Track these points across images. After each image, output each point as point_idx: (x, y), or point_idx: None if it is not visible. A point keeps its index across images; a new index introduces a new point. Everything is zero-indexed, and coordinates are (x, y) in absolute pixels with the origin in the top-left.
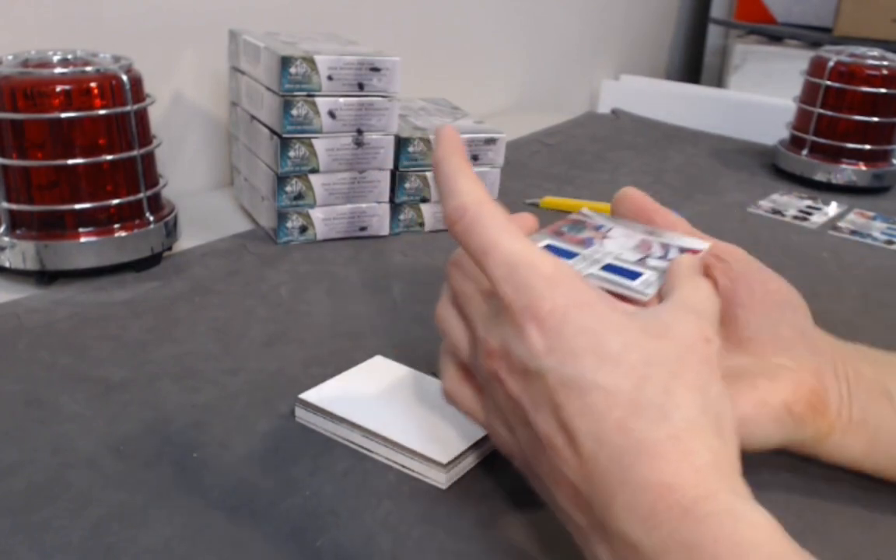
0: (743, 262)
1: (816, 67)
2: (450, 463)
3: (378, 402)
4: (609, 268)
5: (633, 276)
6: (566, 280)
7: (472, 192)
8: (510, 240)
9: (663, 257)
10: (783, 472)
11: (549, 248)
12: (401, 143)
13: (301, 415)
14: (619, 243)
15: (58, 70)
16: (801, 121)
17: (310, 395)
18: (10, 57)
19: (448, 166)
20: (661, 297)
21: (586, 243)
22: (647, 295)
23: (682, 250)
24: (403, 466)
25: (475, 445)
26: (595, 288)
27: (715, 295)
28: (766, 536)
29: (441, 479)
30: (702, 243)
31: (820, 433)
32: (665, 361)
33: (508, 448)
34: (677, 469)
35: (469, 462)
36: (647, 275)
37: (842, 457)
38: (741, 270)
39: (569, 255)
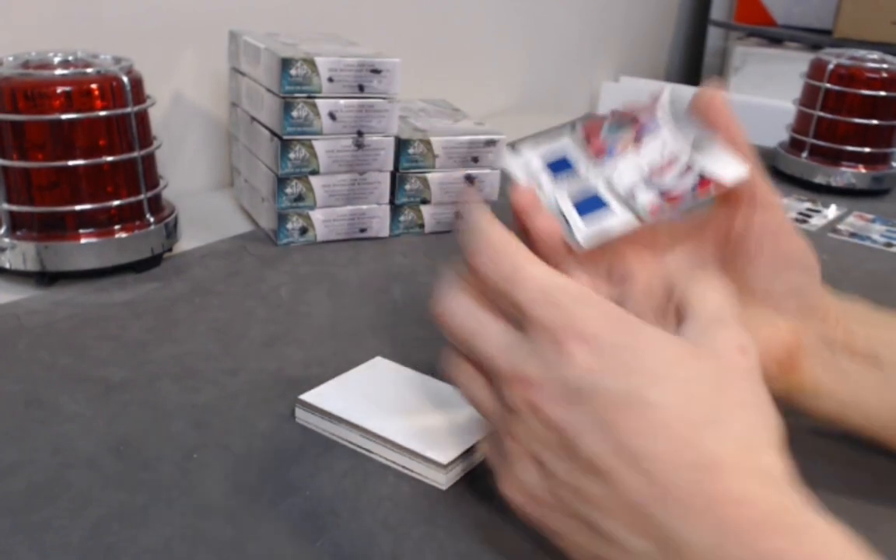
0: (768, 212)
1: (816, 70)
2: (450, 464)
3: (378, 403)
4: (586, 200)
5: (600, 211)
6: (596, 300)
7: (491, 227)
8: (535, 264)
9: (675, 183)
10: None
11: (557, 164)
12: (401, 145)
13: (301, 415)
14: (639, 160)
15: (58, 71)
16: (801, 123)
17: (310, 396)
18: (11, 58)
19: (474, 217)
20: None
21: (605, 153)
22: (581, 246)
23: (703, 177)
24: (403, 467)
25: (475, 446)
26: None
27: (727, 293)
28: (839, 542)
29: (441, 480)
30: (737, 170)
31: (791, 388)
32: (709, 380)
33: (530, 499)
34: (745, 484)
35: (469, 463)
36: (614, 216)
37: (815, 412)
38: (761, 221)
39: (565, 166)
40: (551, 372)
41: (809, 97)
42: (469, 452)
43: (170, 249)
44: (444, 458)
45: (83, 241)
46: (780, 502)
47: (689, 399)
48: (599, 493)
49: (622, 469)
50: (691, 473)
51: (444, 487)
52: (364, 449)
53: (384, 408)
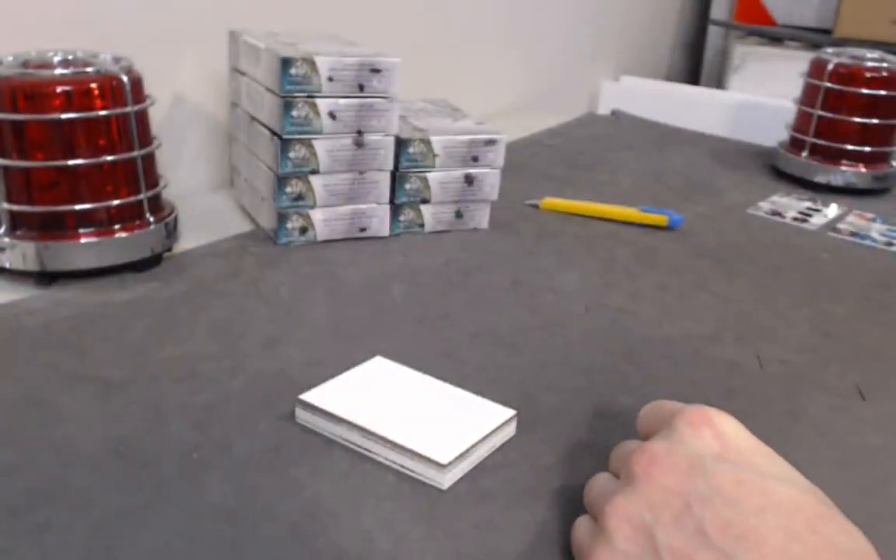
0: None
1: (816, 69)
2: (450, 463)
3: (378, 403)
4: None
5: None
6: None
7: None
8: None
9: None
10: None
11: None
12: (401, 144)
13: (301, 415)
14: None
15: (58, 71)
16: (801, 122)
17: (310, 396)
18: (11, 57)
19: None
20: None
21: None
22: None
23: None
24: (403, 467)
25: (475, 446)
26: None
27: None
28: None
29: (441, 480)
30: None
31: None
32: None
33: None
34: None
35: (469, 463)
36: None
37: None
38: None
39: None
40: (679, 446)
41: (809, 96)
42: (469, 452)
43: (170, 249)
44: (444, 458)
45: (83, 240)
46: None
47: (814, 493)
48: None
49: (741, 539)
50: (817, 554)
51: (444, 487)
52: (364, 448)
53: (384, 407)
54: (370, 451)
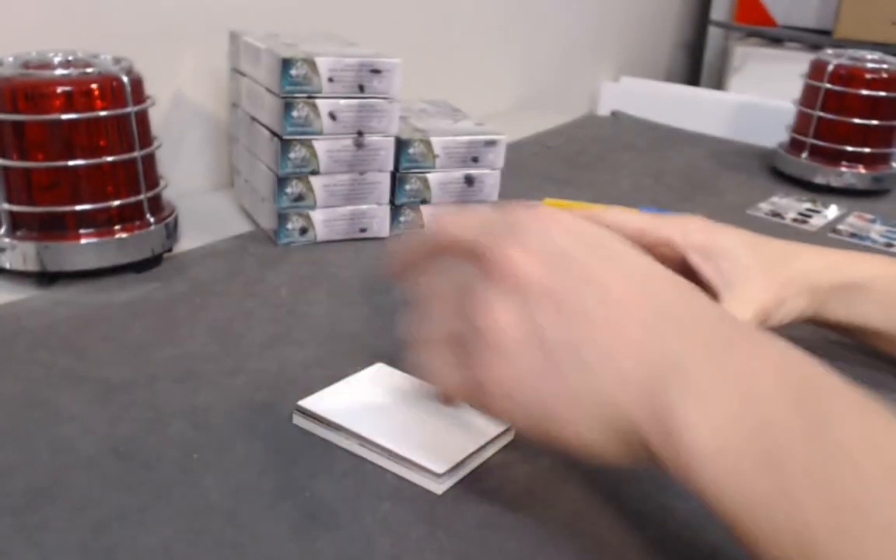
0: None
1: (816, 70)
2: (445, 473)
3: (376, 411)
4: None
5: None
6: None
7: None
8: None
9: None
10: None
11: None
12: (401, 145)
13: (299, 421)
14: None
15: (58, 71)
16: (801, 123)
17: (308, 403)
18: (11, 58)
19: None
20: None
21: None
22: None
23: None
24: (399, 475)
25: (473, 455)
26: None
27: None
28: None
29: (438, 490)
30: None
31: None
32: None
33: (510, 372)
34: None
35: (466, 470)
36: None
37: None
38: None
39: None
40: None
41: (809, 97)
42: (465, 463)
43: (170, 249)
44: (440, 467)
45: (83, 241)
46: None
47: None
48: (600, 336)
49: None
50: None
51: (440, 493)
52: (360, 457)
53: (383, 415)
54: (367, 459)
